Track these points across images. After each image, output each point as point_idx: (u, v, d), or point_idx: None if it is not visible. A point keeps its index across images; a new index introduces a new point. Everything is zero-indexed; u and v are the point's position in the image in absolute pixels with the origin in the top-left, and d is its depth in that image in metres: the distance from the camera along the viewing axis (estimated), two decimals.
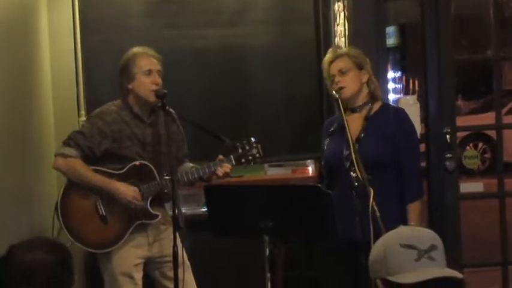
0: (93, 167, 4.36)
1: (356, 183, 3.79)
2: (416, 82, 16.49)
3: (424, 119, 5.07)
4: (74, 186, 4.37)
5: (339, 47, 5.21)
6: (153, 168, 4.36)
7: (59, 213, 4.35)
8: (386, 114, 4.30)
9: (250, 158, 4.46)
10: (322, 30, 5.64)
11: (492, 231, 5.51)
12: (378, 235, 2.96)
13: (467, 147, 13.27)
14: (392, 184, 4.19)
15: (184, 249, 4.29)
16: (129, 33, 5.46)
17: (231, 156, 4.43)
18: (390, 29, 16.66)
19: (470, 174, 10.59)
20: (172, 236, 4.13)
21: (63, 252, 2.70)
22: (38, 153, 4.93)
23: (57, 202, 4.37)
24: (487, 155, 13.93)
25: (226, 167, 4.41)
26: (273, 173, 5.83)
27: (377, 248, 2.31)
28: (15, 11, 4.49)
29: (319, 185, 4.03)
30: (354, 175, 3.81)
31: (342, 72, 4.28)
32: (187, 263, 4.43)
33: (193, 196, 5.23)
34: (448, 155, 4.96)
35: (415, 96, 6.11)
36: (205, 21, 5.68)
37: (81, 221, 4.35)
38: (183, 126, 4.57)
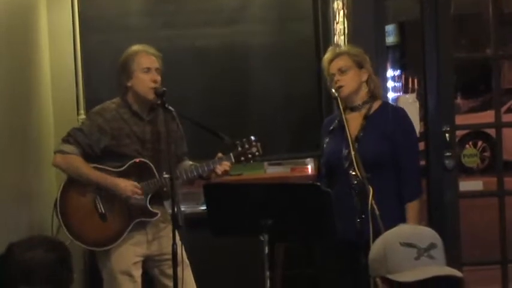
0: (93, 165, 4.36)
1: (355, 182, 3.79)
2: (416, 80, 16.51)
3: (423, 118, 5.07)
4: (73, 184, 4.37)
5: (338, 45, 5.21)
6: (152, 166, 4.36)
7: (58, 211, 4.35)
8: (385, 113, 4.30)
9: (249, 156, 4.46)
10: (321, 28, 5.64)
11: (491, 230, 5.51)
12: (377, 233, 2.97)
13: (467, 146, 13.27)
14: (391, 183, 4.19)
15: (183, 247, 4.30)
16: (129, 33, 5.46)
17: (231, 154, 4.43)
18: (390, 27, 16.69)
19: (469, 172, 10.58)
20: (171, 234, 4.13)
21: (63, 250, 2.70)
22: (37, 152, 4.93)
23: (56, 200, 4.37)
24: (487, 154, 13.92)
25: (226, 165, 4.41)
26: (272, 171, 5.84)
27: (377, 246, 2.31)
28: (15, 10, 4.49)
29: (319, 184, 4.03)
30: (353, 173, 3.81)
31: (341, 71, 4.28)
32: (187, 261, 4.43)
33: (193, 194, 5.23)
34: (448, 154, 4.96)
35: (414, 95, 6.12)
36: (204, 20, 5.67)
37: (80, 218, 4.35)
38: (183, 124, 4.57)
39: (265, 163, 5.72)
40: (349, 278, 4.19)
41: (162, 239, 4.44)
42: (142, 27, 5.54)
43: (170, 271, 4.18)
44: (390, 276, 2.23)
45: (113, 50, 5.28)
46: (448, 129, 4.99)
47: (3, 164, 4.03)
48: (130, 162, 4.37)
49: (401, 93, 15.72)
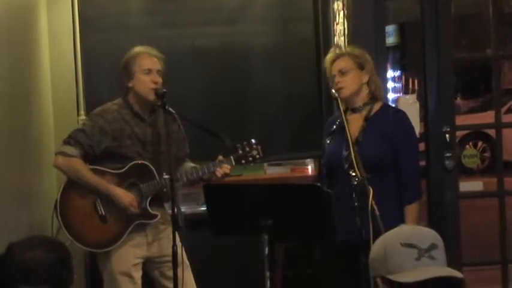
0: (93, 166, 4.36)
1: (355, 182, 3.79)
2: (416, 81, 16.50)
3: (424, 118, 5.07)
4: (73, 185, 4.37)
5: (338, 46, 5.21)
6: (152, 167, 4.36)
7: (58, 212, 4.35)
8: (386, 114, 4.30)
9: (250, 159, 4.46)
10: (321, 29, 5.63)
11: (492, 230, 5.51)
12: (377, 234, 2.96)
13: (467, 146, 13.27)
14: (391, 184, 4.19)
15: (183, 248, 4.29)
16: (129, 32, 5.45)
17: (231, 157, 4.43)
18: (390, 28, 16.69)
19: (469, 173, 10.57)
20: (171, 236, 4.13)
21: (63, 251, 2.69)
22: (37, 152, 4.93)
23: (56, 201, 4.37)
24: (487, 154, 13.91)
25: (226, 168, 4.41)
26: (272, 172, 5.83)
27: (377, 246, 2.31)
28: (15, 10, 4.48)
29: (319, 184, 4.03)
30: (353, 174, 3.81)
31: (342, 73, 4.28)
32: (187, 262, 4.43)
33: (193, 195, 5.23)
34: (448, 154, 4.96)
35: (414, 96, 6.13)
36: (204, 19, 5.67)
37: (80, 220, 4.35)
38: (184, 126, 4.57)
39: (265, 164, 5.71)
40: (350, 278, 4.20)
41: (162, 241, 4.44)
42: (142, 27, 5.54)
43: (170, 273, 4.18)
44: (391, 277, 2.23)
45: (113, 50, 5.29)
46: (448, 129, 4.99)
47: (3, 164, 4.03)
48: (130, 163, 4.37)
49: (401, 94, 15.70)
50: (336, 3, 5.42)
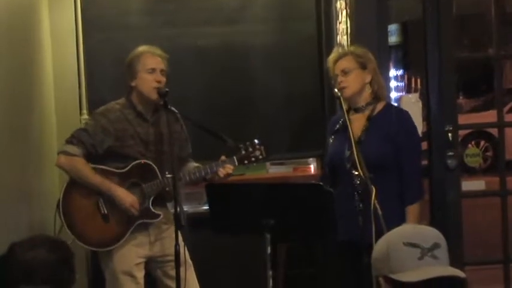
0: (96, 166, 4.36)
1: (358, 182, 3.79)
2: (419, 80, 16.49)
3: (426, 117, 5.07)
4: (76, 184, 4.37)
5: (341, 45, 5.20)
6: (155, 167, 4.36)
7: (61, 211, 4.35)
8: (389, 114, 4.29)
9: (253, 159, 4.46)
10: (323, 28, 5.62)
11: (494, 229, 5.50)
12: (379, 233, 2.96)
13: (469, 145, 13.23)
14: (394, 184, 4.17)
15: (186, 247, 4.29)
16: (131, 32, 5.45)
17: (234, 157, 4.43)
18: (392, 27, 16.70)
19: (472, 172, 10.55)
20: (174, 235, 4.13)
21: (65, 250, 2.70)
22: (39, 152, 4.93)
23: (59, 200, 4.37)
24: (489, 153, 13.89)
25: (229, 168, 4.41)
26: (275, 171, 5.82)
27: (380, 245, 2.31)
28: (17, 10, 4.49)
29: (321, 183, 4.02)
30: (356, 173, 3.81)
31: (344, 72, 4.27)
32: (189, 261, 4.43)
33: (195, 194, 5.23)
34: (450, 153, 4.96)
35: (417, 95, 6.11)
36: (205, 18, 5.66)
37: (82, 219, 4.35)
38: (186, 125, 4.57)
39: (268, 163, 5.71)
40: (352, 277, 4.19)
41: (165, 240, 4.44)
42: (143, 26, 5.54)
43: (173, 272, 4.19)
44: (393, 276, 2.23)
45: (114, 49, 5.30)
46: (451, 128, 4.98)
47: (5, 164, 4.03)
48: (133, 163, 4.37)
49: (404, 92, 15.71)
50: (338, 2, 5.42)
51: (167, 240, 4.41)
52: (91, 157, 4.37)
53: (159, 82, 4.36)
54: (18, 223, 4.26)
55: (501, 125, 5.32)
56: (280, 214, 3.69)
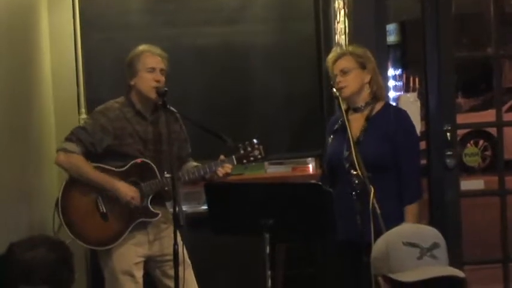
0: (95, 164, 4.36)
1: (356, 181, 3.79)
2: (417, 80, 16.51)
3: (425, 117, 5.07)
4: (74, 183, 4.37)
5: (340, 45, 5.20)
6: (154, 166, 4.36)
7: (60, 210, 4.35)
8: (387, 114, 4.28)
9: (252, 159, 4.46)
10: (322, 27, 5.63)
11: (493, 229, 5.50)
12: (378, 233, 2.96)
13: (468, 145, 13.23)
14: (392, 183, 4.17)
15: (184, 247, 4.29)
16: (130, 32, 5.46)
17: (233, 157, 4.43)
18: (391, 27, 16.71)
19: (470, 171, 10.56)
20: (172, 235, 4.13)
21: (64, 250, 2.69)
22: (38, 151, 4.93)
23: (57, 199, 4.37)
24: (488, 153, 13.90)
25: (227, 168, 4.41)
26: (273, 171, 5.82)
27: (379, 245, 2.31)
28: (16, 10, 4.48)
29: (320, 183, 4.02)
30: (354, 173, 3.80)
31: (343, 72, 4.27)
32: (188, 261, 4.43)
33: (194, 194, 5.23)
34: (449, 153, 4.96)
35: (415, 94, 6.13)
36: (205, 18, 5.67)
37: (81, 217, 4.35)
38: (185, 125, 4.57)
39: (266, 163, 5.71)
40: (351, 277, 4.19)
41: (164, 240, 4.44)
42: (143, 26, 5.54)
43: (172, 272, 4.18)
44: (392, 276, 2.23)
45: (114, 49, 5.30)
46: (449, 128, 4.98)
47: (4, 164, 4.03)
48: (132, 162, 4.37)
49: (402, 92, 15.72)
50: (336, 2, 5.42)
51: (166, 239, 4.41)
52: (90, 156, 4.37)
53: (158, 81, 4.36)
54: (18, 223, 4.26)
55: (500, 124, 5.32)
56: (279, 214, 3.69)
